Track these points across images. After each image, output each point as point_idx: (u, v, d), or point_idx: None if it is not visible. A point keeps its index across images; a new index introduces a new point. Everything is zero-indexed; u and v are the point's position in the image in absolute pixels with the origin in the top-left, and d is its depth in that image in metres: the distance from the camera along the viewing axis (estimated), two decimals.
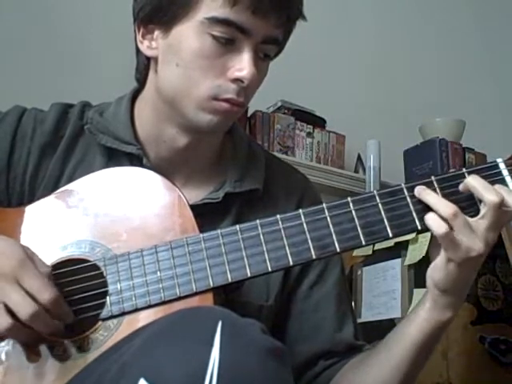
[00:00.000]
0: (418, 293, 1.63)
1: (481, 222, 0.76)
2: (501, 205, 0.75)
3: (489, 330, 1.61)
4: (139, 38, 0.90)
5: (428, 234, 1.62)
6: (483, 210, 0.76)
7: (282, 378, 0.61)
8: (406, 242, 1.68)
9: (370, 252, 1.81)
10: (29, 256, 0.73)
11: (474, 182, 0.78)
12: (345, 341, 0.96)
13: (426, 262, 1.64)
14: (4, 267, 0.71)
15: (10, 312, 0.70)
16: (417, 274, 1.67)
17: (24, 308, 0.70)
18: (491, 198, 0.75)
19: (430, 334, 0.82)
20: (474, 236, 0.75)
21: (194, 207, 0.83)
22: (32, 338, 0.73)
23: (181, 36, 0.85)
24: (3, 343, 0.75)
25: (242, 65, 0.84)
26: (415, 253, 1.66)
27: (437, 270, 0.79)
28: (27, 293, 0.70)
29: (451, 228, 0.75)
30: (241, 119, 2.08)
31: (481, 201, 0.78)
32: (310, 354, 0.95)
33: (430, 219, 0.77)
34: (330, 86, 2.48)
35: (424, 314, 0.81)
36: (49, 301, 0.71)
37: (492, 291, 1.66)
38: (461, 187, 0.79)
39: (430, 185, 0.79)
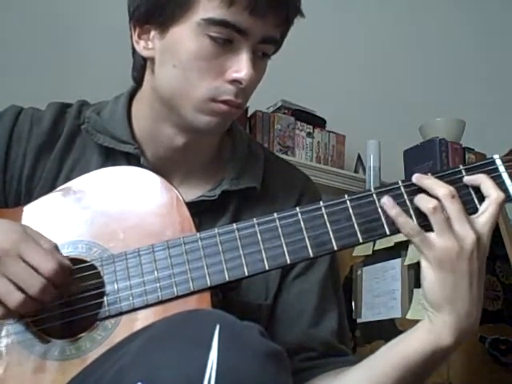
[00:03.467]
0: (417, 293, 1.63)
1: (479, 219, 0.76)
2: (452, 195, 0.75)
3: (489, 330, 1.61)
4: (135, 37, 0.89)
5: None
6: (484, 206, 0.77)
7: (280, 382, 0.60)
8: (406, 242, 1.67)
9: (370, 252, 1.81)
10: (29, 232, 0.74)
11: (425, 181, 0.78)
12: (320, 337, 0.93)
13: None
14: (5, 242, 0.71)
15: (19, 287, 0.70)
16: (417, 274, 1.67)
17: (32, 283, 0.70)
18: (443, 191, 0.75)
19: (424, 357, 0.76)
20: (469, 227, 0.74)
21: (190, 205, 0.82)
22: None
23: (178, 37, 0.84)
24: (3, 338, 0.76)
25: (240, 66, 0.83)
26: (415, 253, 1.66)
27: (425, 279, 0.76)
28: (31, 266, 0.71)
29: (439, 205, 0.75)
30: (241, 119, 2.08)
31: (478, 199, 0.78)
32: (285, 346, 0.91)
33: (419, 197, 0.76)
34: (330, 86, 2.48)
35: (421, 334, 0.77)
36: (53, 269, 0.71)
37: (492, 291, 1.66)
38: (414, 179, 0.78)
39: None
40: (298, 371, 0.91)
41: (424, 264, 0.76)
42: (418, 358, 0.76)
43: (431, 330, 0.76)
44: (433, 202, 0.75)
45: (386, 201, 0.77)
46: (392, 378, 0.78)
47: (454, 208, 0.75)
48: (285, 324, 0.94)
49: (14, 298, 0.70)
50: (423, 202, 0.76)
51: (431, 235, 0.75)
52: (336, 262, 1.02)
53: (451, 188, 0.76)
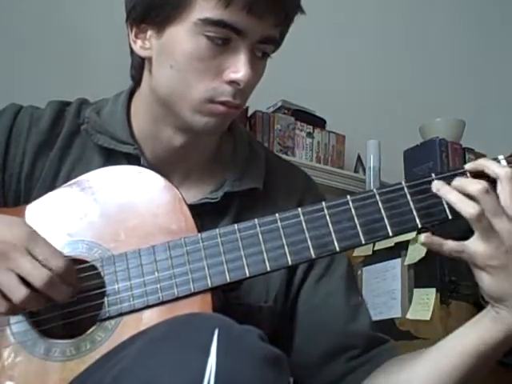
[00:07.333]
0: (418, 293, 1.63)
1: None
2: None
3: None
4: (132, 37, 0.88)
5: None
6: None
7: None
8: (406, 242, 1.68)
9: (370, 252, 1.81)
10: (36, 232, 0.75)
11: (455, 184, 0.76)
12: (361, 332, 0.92)
13: (426, 262, 1.64)
14: (14, 238, 0.72)
15: (24, 282, 0.70)
16: (417, 274, 1.67)
17: (38, 276, 0.70)
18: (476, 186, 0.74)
19: (495, 346, 0.77)
20: (507, 219, 0.73)
21: (192, 207, 0.82)
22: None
23: (174, 37, 0.83)
24: (6, 338, 0.76)
25: (238, 67, 0.82)
26: (415, 253, 1.66)
27: (482, 277, 0.75)
28: (39, 261, 0.71)
29: (482, 209, 0.73)
30: (241, 119, 2.08)
31: None
32: (323, 351, 0.91)
33: (457, 201, 0.74)
34: (330, 86, 2.48)
35: (489, 324, 0.77)
36: (61, 267, 0.72)
37: None
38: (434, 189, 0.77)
39: (430, 182, 0.79)
40: (345, 374, 0.90)
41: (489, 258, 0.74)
42: (489, 346, 0.77)
43: (498, 319, 0.76)
44: (475, 208, 0.73)
45: (440, 186, 0.76)
46: (459, 369, 0.78)
47: (490, 202, 0.73)
48: (317, 329, 0.92)
49: (20, 293, 0.70)
50: (464, 208, 0.74)
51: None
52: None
53: (484, 183, 0.74)
